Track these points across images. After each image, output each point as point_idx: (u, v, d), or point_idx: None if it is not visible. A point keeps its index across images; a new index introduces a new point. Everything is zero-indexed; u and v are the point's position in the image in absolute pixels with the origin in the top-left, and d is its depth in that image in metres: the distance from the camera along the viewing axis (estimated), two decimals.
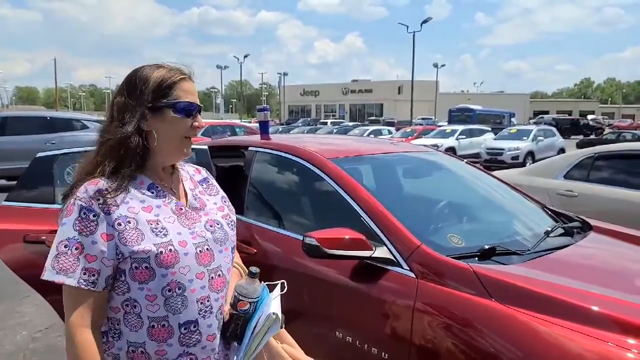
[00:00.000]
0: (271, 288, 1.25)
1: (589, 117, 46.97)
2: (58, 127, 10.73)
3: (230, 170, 3.17)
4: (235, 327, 1.21)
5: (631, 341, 1.39)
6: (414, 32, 36.03)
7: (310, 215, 2.53)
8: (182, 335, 1.16)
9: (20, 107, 73.40)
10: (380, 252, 1.87)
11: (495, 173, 3.91)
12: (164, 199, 1.22)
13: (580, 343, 1.41)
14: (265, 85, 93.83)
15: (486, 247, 1.86)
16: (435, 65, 55.42)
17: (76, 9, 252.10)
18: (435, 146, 14.79)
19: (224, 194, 1.42)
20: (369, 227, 1.98)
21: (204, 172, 1.42)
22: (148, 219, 1.16)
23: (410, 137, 20.73)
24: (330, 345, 1.93)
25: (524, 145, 16.89)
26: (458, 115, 31.91)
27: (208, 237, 1.23)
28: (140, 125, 1.18)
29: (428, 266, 1.79)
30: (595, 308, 1.52)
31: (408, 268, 1.82)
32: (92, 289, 1.11)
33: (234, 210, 1.40)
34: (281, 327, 1.17)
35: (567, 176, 4.84)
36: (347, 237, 1.82)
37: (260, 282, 1.22)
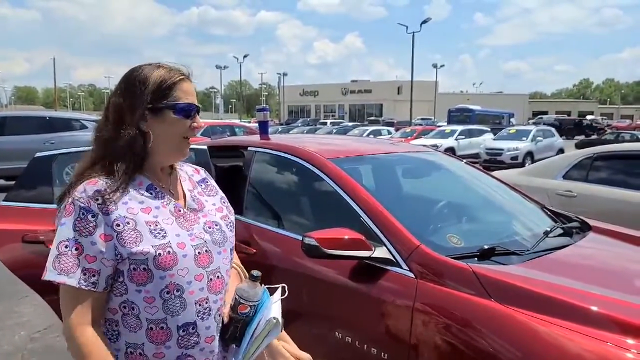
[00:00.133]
0: (272, 291, 1.25)
1: (588, 117, 47.02)
2: (57, 127, 10.70)
3: (230, 171, 3.17)
4: (235, 329, 1.20)
5: (630, 341, 1.39)
6: (414, 32, 36.08)
7: (310, 215, 2.53)
8: (180, 337, 1.16)
9: (19, 107, 73.41)
10: (380, 252, 1.87)
11: (495, 173, 3.91)
12: (162, 200, 1.21)
13: (580, 343, 1.41)
14: (265, 86, 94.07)
15: (485, 247, 1.86)
16: (435, 66, 55.44)
17: (75, 8, 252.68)
18: (435, 146, 14.81)
19: (223, 195, 1.41)
20: (369, 227, 1.98)
21: (202, 173, 1.42)
22: (147, 220, 1.15)
23: (409, 138, 20.75)
24: (330, 345, 1.93)
25: (523, 145, 16.91)
26: (457, 116, 31.98)
27: (207, 239, 1.22)
28: (140, 125, 1.18)
29: (427, 266, 1.79)
30: (594, 308, 1.52)
31: (407, 268, 1.82)
32: (92, 289, 1.11)
33: (232, 211, 1.39)
34: (281, 331, 1.17)
35: (566, 176, 4.84)
36: (346, 237, 1.82)
37: (261, 285, 1.22)
